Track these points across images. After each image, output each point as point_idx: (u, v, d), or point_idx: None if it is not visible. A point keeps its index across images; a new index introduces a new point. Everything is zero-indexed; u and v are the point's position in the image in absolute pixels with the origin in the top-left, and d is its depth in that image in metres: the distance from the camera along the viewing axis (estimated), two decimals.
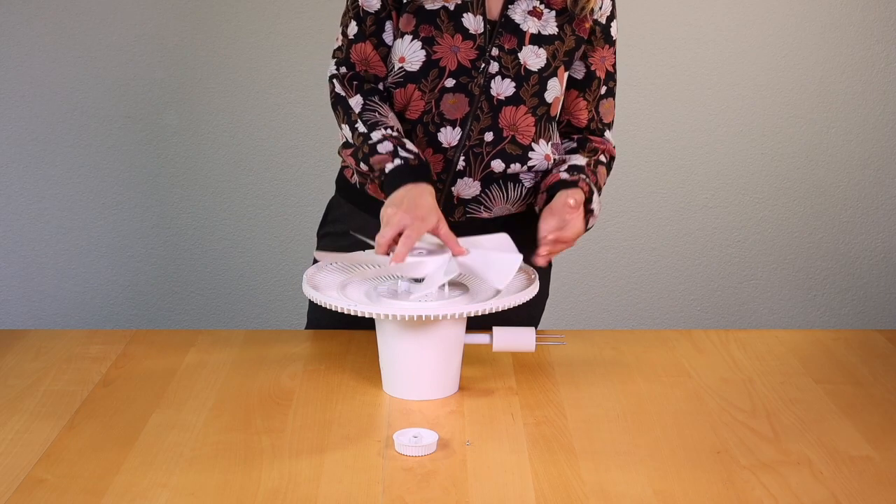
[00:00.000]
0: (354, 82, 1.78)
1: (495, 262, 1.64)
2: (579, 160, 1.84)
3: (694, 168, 3.10)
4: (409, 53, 1.77)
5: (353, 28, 1.80)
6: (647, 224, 3.13)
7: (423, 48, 1.76)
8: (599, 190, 1.83)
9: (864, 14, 3.01)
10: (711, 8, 3.00)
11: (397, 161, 1.69)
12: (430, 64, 1.76)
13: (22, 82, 2.94)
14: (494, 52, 1.77)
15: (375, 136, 1.72)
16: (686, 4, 3.00)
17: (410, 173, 1.68)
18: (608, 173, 1.88)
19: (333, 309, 1.56)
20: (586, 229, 1.79)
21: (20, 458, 1.42)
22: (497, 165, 1.80)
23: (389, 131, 1.73)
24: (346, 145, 1.78)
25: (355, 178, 1.87)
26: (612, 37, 1.86)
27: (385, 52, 1.79)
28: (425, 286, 1.59)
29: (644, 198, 3.11)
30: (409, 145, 1.72)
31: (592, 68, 1.85)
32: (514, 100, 1.78)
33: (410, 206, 1.63)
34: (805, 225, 3.15)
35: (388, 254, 1.62)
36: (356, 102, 1.76)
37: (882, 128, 3.09)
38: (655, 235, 3.14)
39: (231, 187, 3.04)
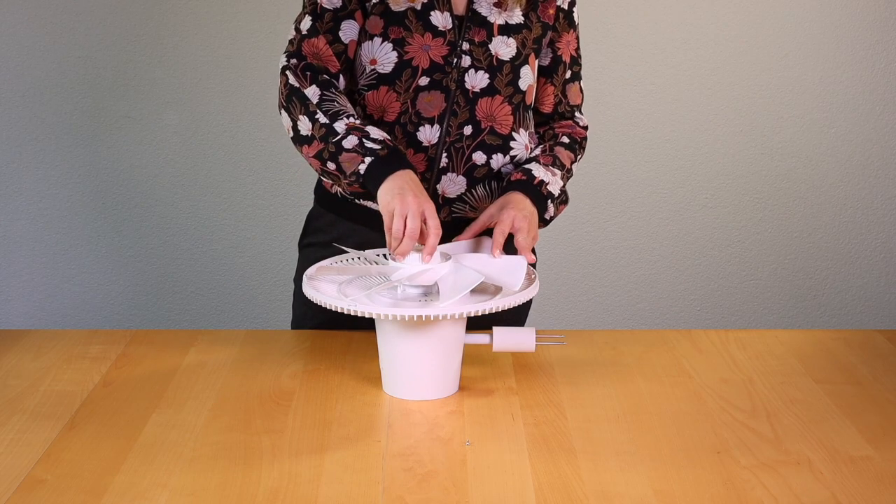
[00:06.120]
0: (308, 73, 1.75)
1: (501, 265, 1.64)
2: (535, 152, 1.87)
3: (694, 168, 3.10)
4: (380, 56, 1.77)
5: (306, 23, 1.79)
6: (647, 224, 3.13)
7: (394, 49, 1.76)
8: (562, 167, 1.84)
9: (864, 14, 3.01)
10: (711, 8, 3.00)
11: (368, 158, 1.65)
12: (402, 64, 1.76)
13: (22, 82, 2.94)
14: (465, 46, 1.78)
15: (339, 127, 1.68)
16: (686, 4, 3.00)
17: (387, 165, 1.65)
18: (577, 152, 1.90)
19: (333, 309, 1.56)
20: (555, 204, 1.80)
21: (20, 458, 1.42)
22: (479, 158, 1.80)
23: (352, 120, 1.70)
24: (302, 140, 1.72)
25: (335, 188, 1.85)
26: (575, 21, 1.90)
27: (340, 48, 1.77)
28: (450, 293, 1.56)
29: (644, 198, 3.11)
30: (374, 132, 1.69)
31: (559, 53, 1.89)
32: (489, 91, 1.79)
33: (417, 191, 1.62)
34: (805, 225, 3.15)
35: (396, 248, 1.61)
36: (313, 93, 1.73)
37: (882, 128, 3.09)
38: (655, 235, 3.14)
39: (231, 187, 3.04)
